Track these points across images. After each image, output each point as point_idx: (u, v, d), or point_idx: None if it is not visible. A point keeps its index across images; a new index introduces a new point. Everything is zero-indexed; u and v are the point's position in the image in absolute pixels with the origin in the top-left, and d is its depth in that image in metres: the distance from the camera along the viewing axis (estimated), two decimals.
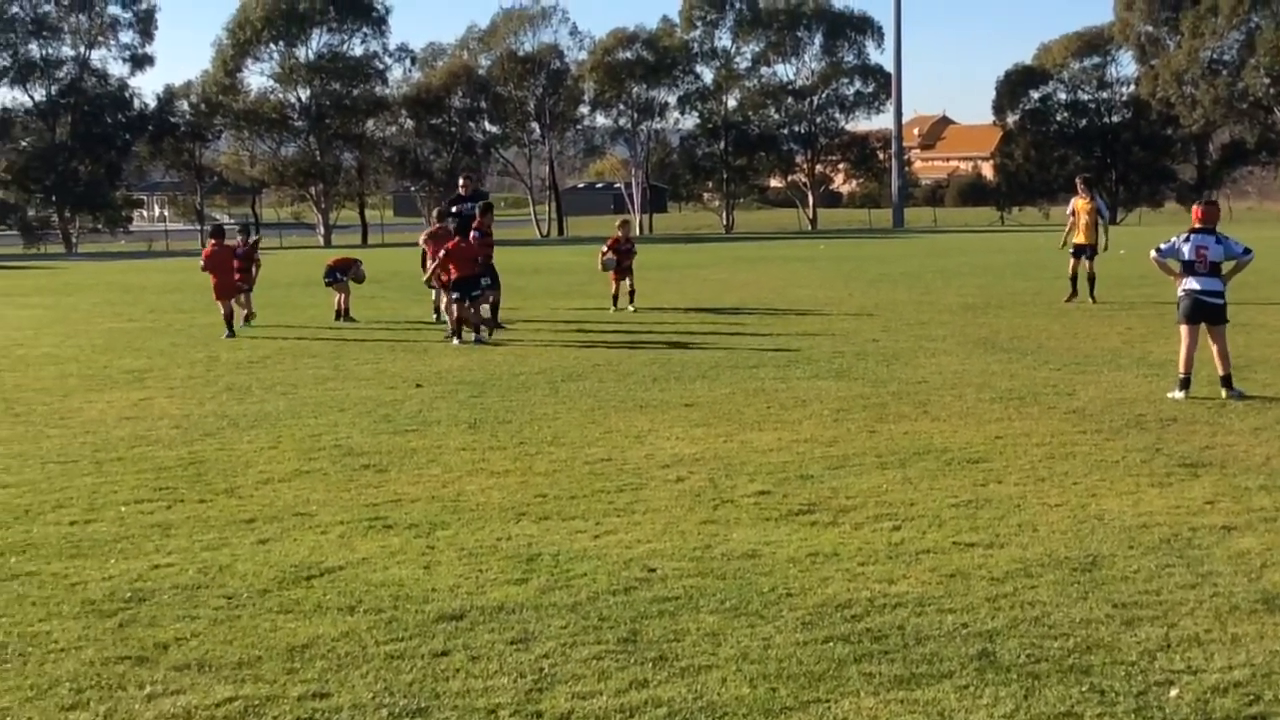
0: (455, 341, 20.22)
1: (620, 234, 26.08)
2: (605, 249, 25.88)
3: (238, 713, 5.91)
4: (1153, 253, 14.45)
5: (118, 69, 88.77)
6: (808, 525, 8.96)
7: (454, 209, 23.53)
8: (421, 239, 24.27)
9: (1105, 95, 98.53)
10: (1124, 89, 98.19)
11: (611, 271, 25.57)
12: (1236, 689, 5.95)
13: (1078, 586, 7.44)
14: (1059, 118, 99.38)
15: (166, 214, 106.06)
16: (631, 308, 25.16)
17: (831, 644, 6.60)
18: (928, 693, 5.97)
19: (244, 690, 6.16)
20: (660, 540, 8.63)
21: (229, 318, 22.49)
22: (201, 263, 23.69)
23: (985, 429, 12.30)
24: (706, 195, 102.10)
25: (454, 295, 20.60)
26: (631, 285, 25.70)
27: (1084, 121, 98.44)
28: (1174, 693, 5.90)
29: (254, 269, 24.47)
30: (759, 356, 17.88)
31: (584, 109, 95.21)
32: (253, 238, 26.21)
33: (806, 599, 7.33)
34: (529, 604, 7.33)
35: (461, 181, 25.12)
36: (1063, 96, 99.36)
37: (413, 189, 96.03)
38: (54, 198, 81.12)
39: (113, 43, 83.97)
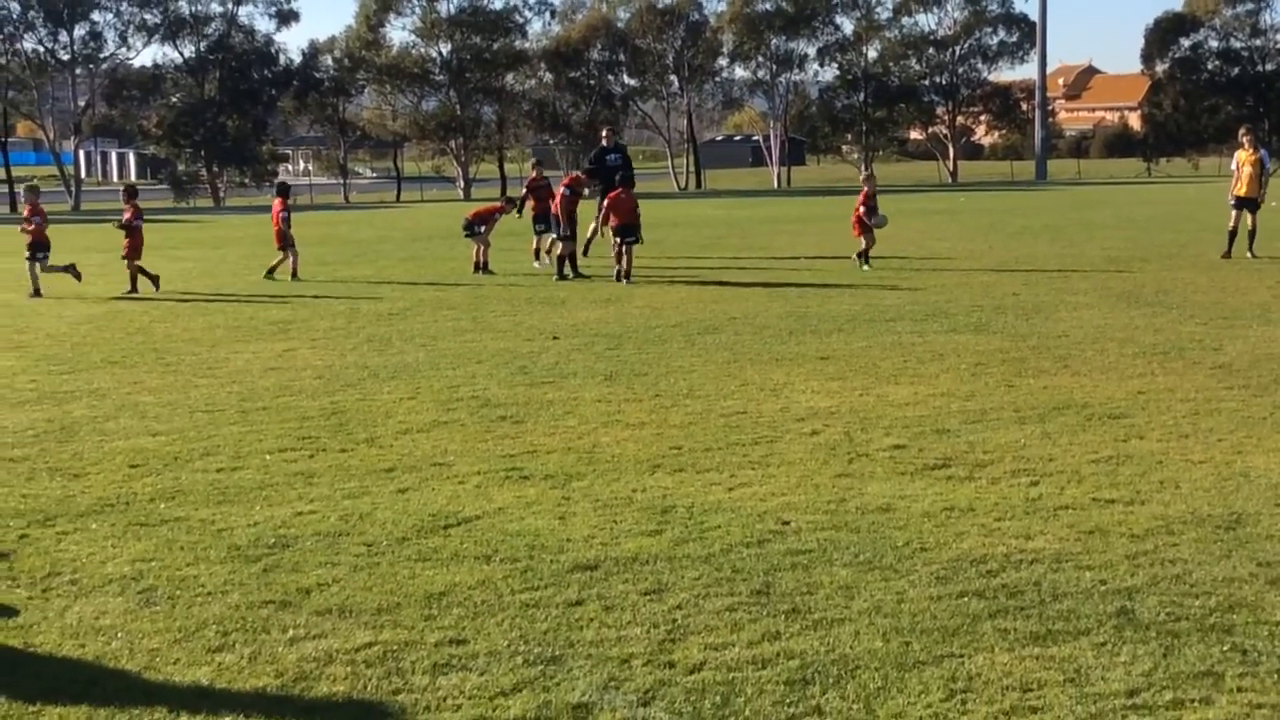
0: (555, 278, 22.83)
1: (866, 189, 24.70)
2: (861, 206, 24.35)
3: (377, 657, 6.03)
4: None
5: (264, 25, 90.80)
6: (943, 480, 8.89)
7: (606, 158, 25.57)
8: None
9: (1259, 43, 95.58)
10: (1278, 37, 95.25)
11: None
12: None
13: (1221, 544, 7.30)
14: (1210, 66, 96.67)
15: (311, 168, 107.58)
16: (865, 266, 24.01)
17: (966, 599, 6.56)
18: (1064, 649, 5.91)
19: (383, 635, 6.28)
20: (794, 493, 8.63)
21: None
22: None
23: (1127, 384, 12.08)
24: (845, 148, 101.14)
25: (615, 239, 22.71)
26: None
27: (1236, 70, 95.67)
28: None
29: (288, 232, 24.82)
30: (896, 310, 17.73)
31: (722, 61, 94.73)
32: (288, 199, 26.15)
33: (941, 554, 7.28)
34: (663, 555, 7.37)
35: (605, 134, 26.88)
36: (1214, 44, 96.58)
37: (551, 142, 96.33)
38: (202, 152, 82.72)
39: None
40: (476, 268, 24.74)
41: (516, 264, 25.93)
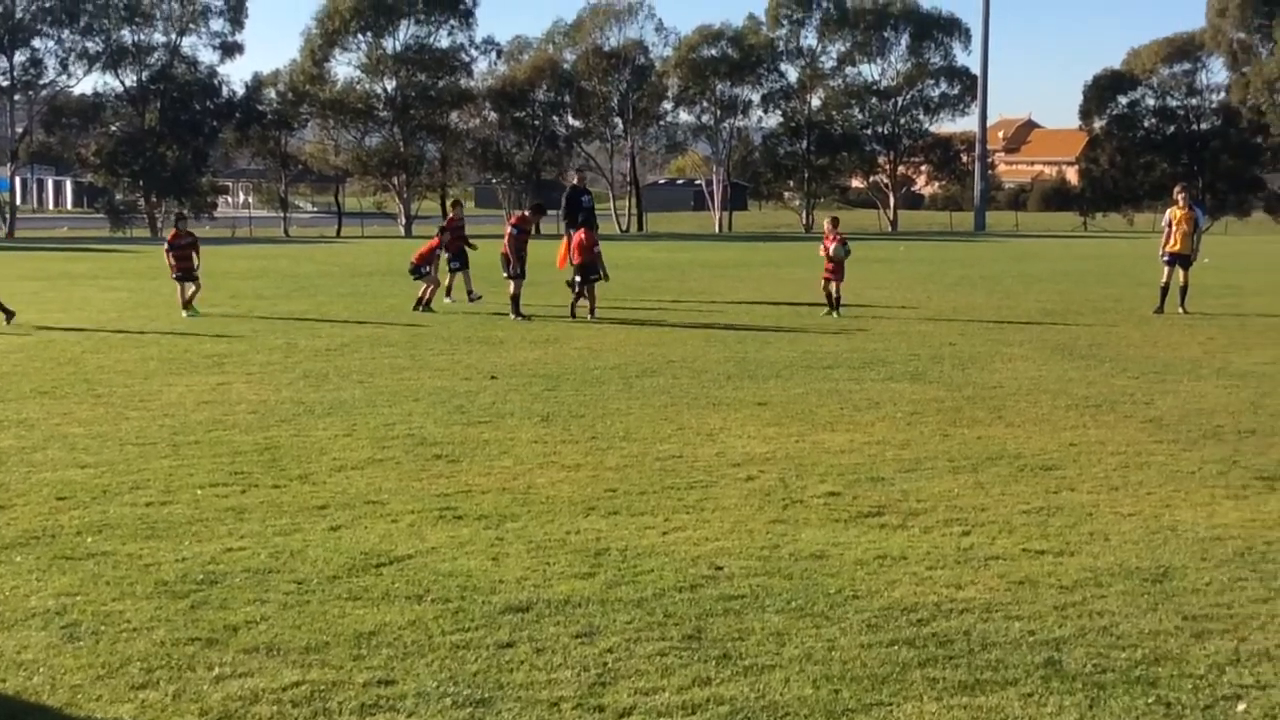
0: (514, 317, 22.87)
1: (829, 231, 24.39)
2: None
3: (304, 696, 5.97)
4: None
5: (208, 56, 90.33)
6: (877, 528, 8.93)
7: (581, 199, 26.75)
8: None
9: (1195, 102, 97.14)
10: (1214, 96, 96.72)
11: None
12: None
13: (1148, 597, 7.36)
14: (1146, 124, 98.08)
15: (251, 201, 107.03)
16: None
17: (896, 647, 6.58)
18: (991, 699, 5.94)
19: (311, 675, 6.22)
20: (728, 538, 8.63)
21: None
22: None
23: (1060, 436, 12.19)
24: (787, 194, 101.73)
25: (576, 278, 23.76)
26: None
27: (1172, 128, 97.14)
28: (1241, 707, 5.83)
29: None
30: (834, 357, 17.82)
31: (667, 105, 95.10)
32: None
33: (873, 601, 7.31)
34: (595, 598, 7.36)
35: (578, 177, 28.62)
36: (1151, 102, 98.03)
37: (494, 181, 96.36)
38: (141, 182, 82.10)
39: (203, 30, 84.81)
40: (418, 304, 24.68)
41: (456, 304, 25.87)
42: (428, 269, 25.27)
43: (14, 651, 6.53)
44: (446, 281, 26.50)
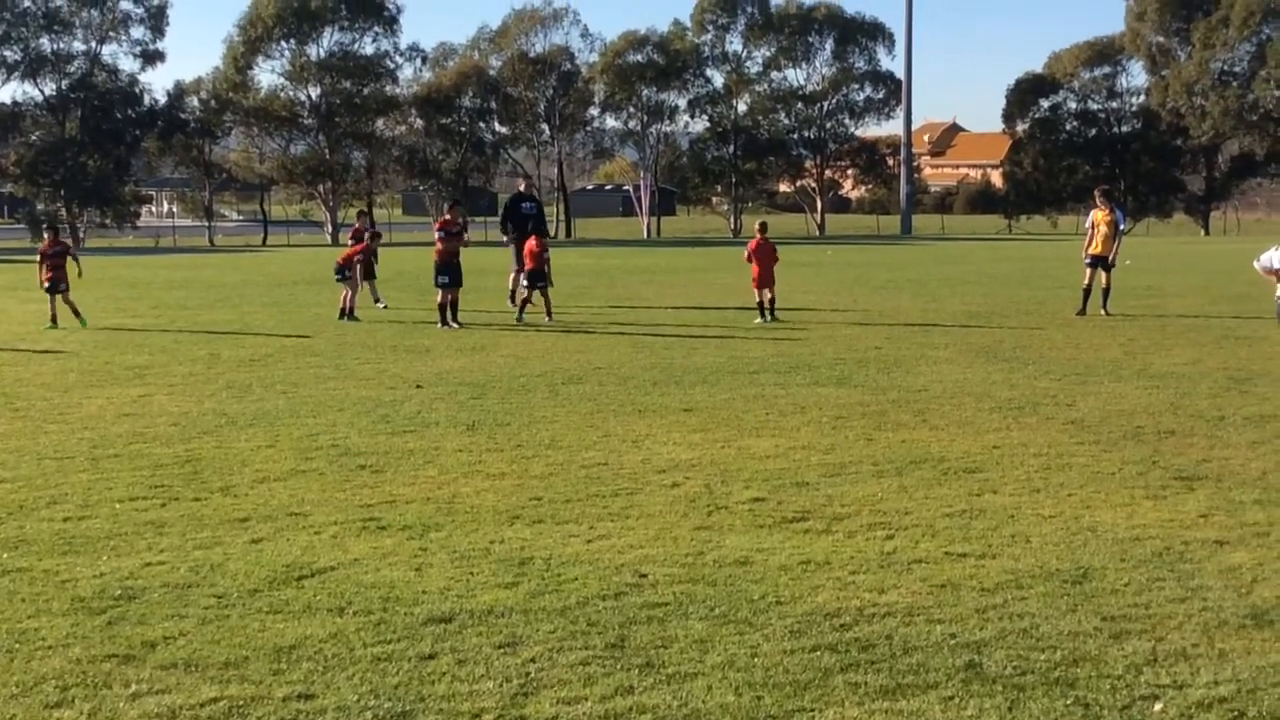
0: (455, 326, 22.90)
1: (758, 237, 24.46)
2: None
3: (222, 713, 5.91)
4: (1255, 263, 17.68)
5: (128, 64, 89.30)
6: (801, 533, 8.95)
7: (520, 205, 26.58)
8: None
9: (1115, 105, 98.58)
10: (1134, 99, 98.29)
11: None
12: (1221, 704, 5.94)
13: (1067, 599, 7.43)
14: (1068, 127, 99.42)
15: (175, 210, 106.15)
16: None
17: (819, 653, 6.60)
18: (912, 703, 5.96)
19: (229, 690, 6.16)
20: (653, 546, 8.63)
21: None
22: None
23: (983, 438, 12.28)
24: (715, 199, 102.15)
25: (524, 284, 24.51)
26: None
27: (1093, 131, 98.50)
28: (1158, 707, 5.89)
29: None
30: (760, 362, 17.87)
31: (594, 111, 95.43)
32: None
33: (796, 607, 7.32)
34: (518, 608, 7.33)
35: (524, 185, 27.90)
36: (1073, 105, 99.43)
37: (421, 188, 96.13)
38: (62, 192, 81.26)
39: (124, 38, 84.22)
40: (343, 314, 24.52)
41: (396, 311, 25.74)
42: (349, 273, 25.16)
43: None
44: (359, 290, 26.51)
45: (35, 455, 11.72)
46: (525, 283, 24.42)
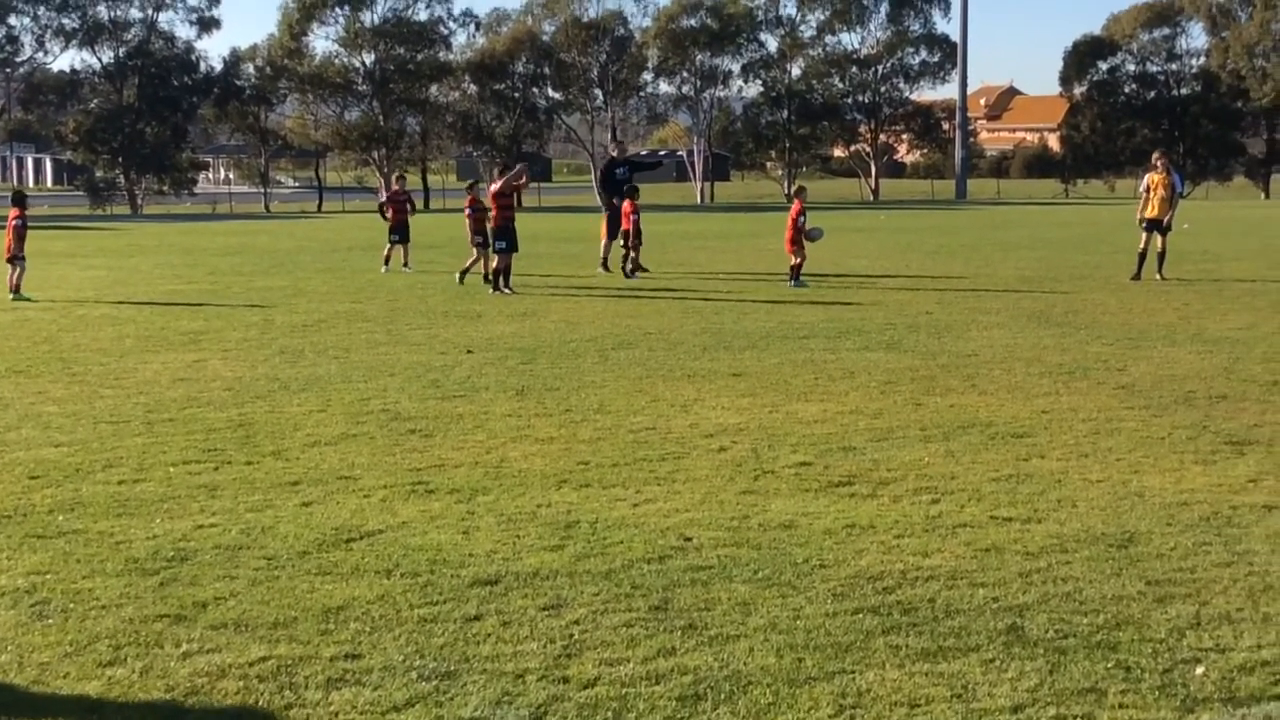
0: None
1: (798, 202, 24.87)
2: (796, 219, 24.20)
3: (270, 671, 6.01)
4: None
5: (185, 32, 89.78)
6: (846, 497, 8.97)
7: (615, 171, 27.49)
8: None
9: (1174, 67, 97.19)
10: (1194, 61, 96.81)
11: None
12: (1264, 668, 5.93)
13: (1112, 563, 7.42)
14: (1127, 89, 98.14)
15: (231, 176, 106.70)
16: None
17: (861, 615, 6.63)
18: (953, 665, 5.99)
19: (278, 650, 6.26)
20: (698, 509, 8.68)
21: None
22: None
23: (1032, 403, 12.25)
24: (769, 164, 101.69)
25: (622, 245, 25.71)
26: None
27: (1152, 94, 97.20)
28: (1200, 670, 5.89)
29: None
30: (810, 327, 17.86)
31: (647, 76, 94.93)
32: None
33: (839, 570, 7.36)
34: (563, 570, 7.40)
35: (615, 148, 30.29)
36: (1131, 68, 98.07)
37: (475, 154, 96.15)
38: (120, 159, 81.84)
39: (180, 5, 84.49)
40: (487, 279, 23.68)
41: (437, 276, 25.87)
42: (482, 239, 24.44)
43: None
44: (385, 252, 28.24)
45: (91, 419, 11.89)
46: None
